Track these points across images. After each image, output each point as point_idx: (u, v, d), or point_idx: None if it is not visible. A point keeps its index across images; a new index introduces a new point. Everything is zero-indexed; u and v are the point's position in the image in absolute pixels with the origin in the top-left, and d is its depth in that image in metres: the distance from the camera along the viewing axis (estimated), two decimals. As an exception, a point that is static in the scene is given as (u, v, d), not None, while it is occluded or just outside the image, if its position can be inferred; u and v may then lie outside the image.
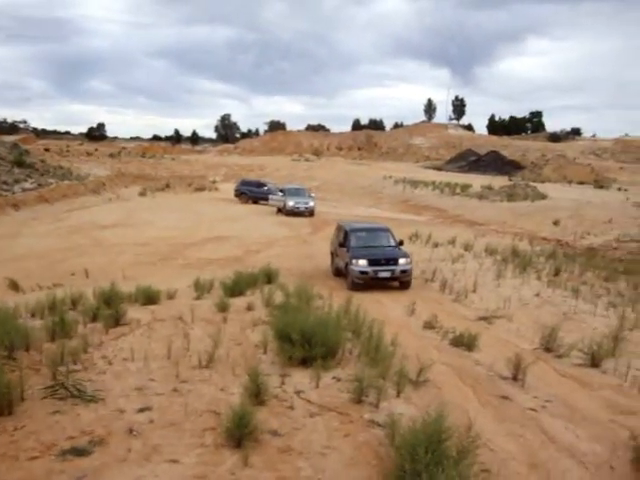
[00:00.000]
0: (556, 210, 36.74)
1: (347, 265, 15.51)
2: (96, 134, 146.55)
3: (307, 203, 34.81)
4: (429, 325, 11.00)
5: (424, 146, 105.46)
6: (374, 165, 78.79)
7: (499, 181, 57.18)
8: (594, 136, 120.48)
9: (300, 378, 7.47)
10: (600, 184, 62.73)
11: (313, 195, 37.48)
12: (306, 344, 7.88)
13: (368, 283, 15.18)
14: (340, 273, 16.89)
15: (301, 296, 11.48)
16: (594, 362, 8.92)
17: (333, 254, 18.11)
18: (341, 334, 8.61)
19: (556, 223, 33.19)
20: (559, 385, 8.05)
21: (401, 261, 15.33)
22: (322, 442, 5.64)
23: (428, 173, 70.21)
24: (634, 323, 11.58)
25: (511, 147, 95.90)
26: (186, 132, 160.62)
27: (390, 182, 56.51)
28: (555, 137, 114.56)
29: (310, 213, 34.49)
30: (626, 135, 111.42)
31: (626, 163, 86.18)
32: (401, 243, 16.75)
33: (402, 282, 15.51)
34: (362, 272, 15.07)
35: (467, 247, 21.70)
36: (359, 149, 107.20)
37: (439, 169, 79.24)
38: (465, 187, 50.52)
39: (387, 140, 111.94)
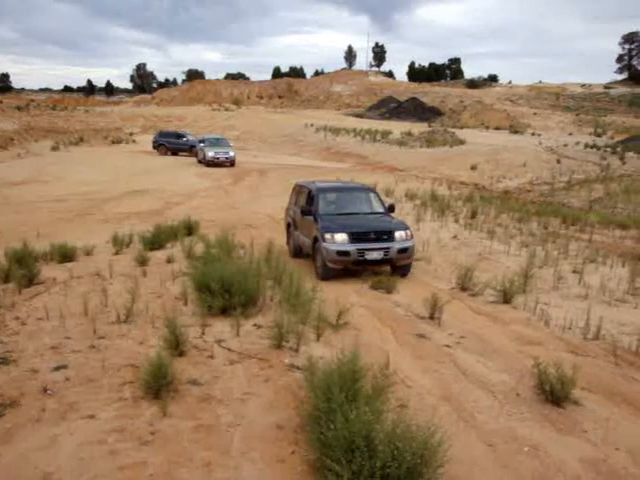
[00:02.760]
0: (474, 155, 37.68)
1: (315, 242, 11.09)
2: (0, 85, 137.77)
3: (227, 153, 34.22)
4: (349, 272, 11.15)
5: (345, 93, 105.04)
6: (295, 113, 78.05)
7: (419, 127, 58.02)
8: (510, 83, 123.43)
9: (221, 327, 7.46)
10: (515, 129, 64.70)
11: (232, 145, 36.86)
12: (226, 293, 7.86)
13: (349, 269, 10.87)
14: (302, 253, 12.59)
15: (222, 247, 11.36)
16: (506, 299, 9.32)
17: (290, 226, 13.41)
18: (261, 282, 8.62)
19: (474, 168, 34.08)
20: (473, 322, 8.38)
21: (398, 235, 10.92)
22: (242, 388, 5.68)
23: (349, 120, 70.24)
24: (543, 261, 12.15)
25: (431, 94, 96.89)
26: (100, 83, 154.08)
27: (311, 130, 56.22)
28: (473, 84, 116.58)
29: (231, 163, 33.97)
30: (540, 82, 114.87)
31: (540, 109, 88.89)
32: (391, 209, 12.41)
33: (399, 267, 11.16)
34: (341, 252, 10.51)
35: (388, 192, 21.97)
36: (280, 97, 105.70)
37: (360, 116, 79.39)
38: (386, 134, 50.98)
39: (308, 88, 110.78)
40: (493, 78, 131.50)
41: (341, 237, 10.71)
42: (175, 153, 40.69)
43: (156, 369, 5.39)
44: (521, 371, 6.37)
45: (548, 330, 8.00)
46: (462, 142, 45.51)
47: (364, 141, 48.90)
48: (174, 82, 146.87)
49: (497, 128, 66.54)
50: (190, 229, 14.74)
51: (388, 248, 10.75)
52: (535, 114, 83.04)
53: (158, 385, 5.38)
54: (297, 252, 12.87)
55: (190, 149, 39.88)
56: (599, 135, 61.83)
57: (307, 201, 12.39)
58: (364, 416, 3.71)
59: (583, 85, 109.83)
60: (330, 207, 12.03)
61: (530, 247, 13.66)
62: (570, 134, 63.09)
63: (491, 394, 5.88)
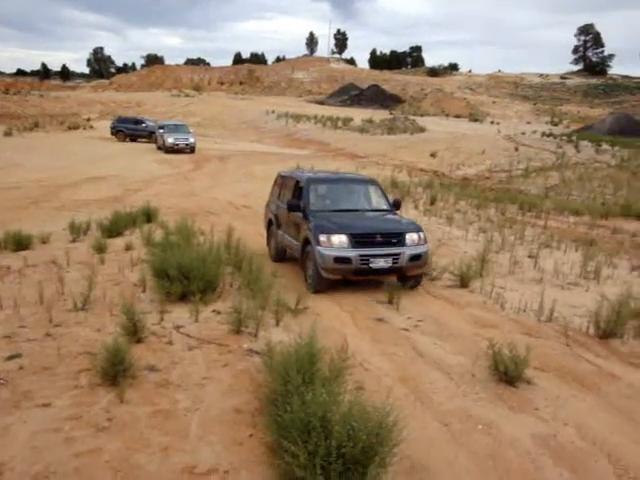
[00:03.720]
0: (434, 142, 38.08)
1: (306, 245, 9.29)
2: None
3: (187, 139, 33.82)
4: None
5: (306, 80, 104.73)
6: (256, 100, 77.52)
7: (380, 115, 58.25)
8: (470, 72, 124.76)
9: (180, 314, 7.42)
10: (475, 117, 65.60)
11: (193, 131, 36.43)
12: (184, 279, 7.81)
13: (349, 279, 9.09)
14: (286, 256, 10.97)
15: (181, 233, 11.26)
16: (463, 283, 9.48)
17: (271, 224, 11.60)
18: (221, 268, 8.59)
19: (433, 155, 34.43)
20: (431, 305, 8.51)
21: (409, 238, 9.10)
22: (201, 374, 5.67)
23: (311, 107, 70.10)
24: (500, 246, 12.39)
25: (392, 81, 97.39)
26: (55, 67, 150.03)
27: (273, 117, 55.94)
28: (434, 72, 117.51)
29: (191, 150, 33.59)
30: (499, 71, 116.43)
31: (499, 98, 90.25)
32: (397, 205, 10.61)
33: (409, 277, 9.31)
34: (339, 259, 8.67)
35: (348, 180, 22.02)
36: (241, 84, 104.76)
37: (321, 103, 79.29)
38: (347, 121, 51.06)
39: (269, 74, 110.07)
40: (453, 67, 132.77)
41: (340, 240, 8.78)
42: (134, 139, 40.03)
43: (113, 356, 5.34)
44: (477, 353, 6.51)
45: (503, 313, 8.18)
46: (422, 130, 45.93)
47: (325, 128, 48.89)
48: (133, 67, 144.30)
49: (457, 116, 67.32)
50: (149, 216, 14.54)
51: (398, 254, 8.83)
52: (494, 103, 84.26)
53: (115, 372, 5.33)
54: (280, 255, 11.10)
55: (149, 135, 39.27)
56: (555, 124, 63.12)
57: (294, 194, 10.47)
58: (320, 398, 3.75)
59: (541, 75, 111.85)
60: (324, 202, 10.16)
61: (487, 233, 13.91)
62: (528, 123, 64.26)
63: (447, 375, 6.00)
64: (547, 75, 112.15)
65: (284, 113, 56.25)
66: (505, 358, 5.85)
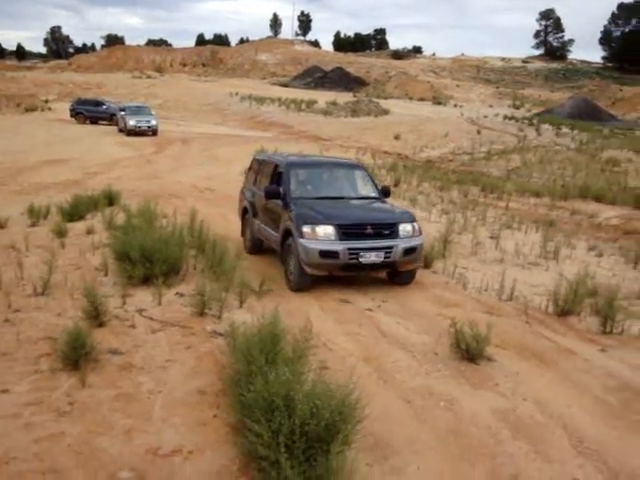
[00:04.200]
0: (397, 125, 38.19)
1: (286, 237, 8.48)
2: None
3: (150, 122, 33.25)
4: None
5: (270, 62, 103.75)
6: (220, 82, 76.58)
7: (344, 97, 58.12)
8: (434, 55, 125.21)
9: (142, 297, 7.34)
10: (438, 100, 66.01)
11: (155, 113, 35.85)
12: (147, 262, 7.72)
13: (336, 275, 8.32)
14: (263, 247, 10.20)
15: (144, 216, 11.12)
16: (426, 264, 9.57)
17: (246, 212, 10.72)
18: (184, 251, 8.52)
19: (397, 137, 34.56)
20: (394, 286, 8.59)
21: (403, 229, 8.35)
22: (164, 356, 5.64)
23: (274, 90, 69.59)
24: (463, 227, 12.56)
25: (356, 64, 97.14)
26: (10, 46, 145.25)
27: (236, 99, 55.39)
28: (397, 55, 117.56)
29: (153, 132, 33.06)
30: (462, 55, 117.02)
31: (462, 81, 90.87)
32: (386, 192, 9.82)
33: (402, 273, 8.58)
34: (325, 253, 7.88)
35: (313, 162, 22.01)
36: (204, 65, 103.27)
37: (285, 85, 78.76)
38: (311, 103, 50.88)
39: (233, 56, 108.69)
40: (417, 50, 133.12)
41: (326, 231, 7.96)
42: (95, 122, 39.19)
43: (74, 340, 5.26)
44: (439, 332, 6.60)
45: (466, 293, 8.31)
46: (386, 112, 46.03)
47: (289, 110, 48.64)
48: (92, 47, 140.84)
49: (421, 99, 67.59)
50: (111, 199, 14.29)
51: (391, 248, 8.05)
52: (458, 86, 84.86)
53: (77, 356, 5.26)
54: (256, 247, 10.30)
55: (110, 117, 38.50)
56: (517, 107, 63.88)
57: (272, 179, 9.65)
58: (283, 377, 3.76)
59: (503, 59, 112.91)
60: (305, 188, 9.33)
61: (450, 214, 14.07)
62: (490, 106, 64.91)
63: (410, 354, 6.08)
64: (509, 59, 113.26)
65: (248, 95, 55.75)
66: (467, 336, 5.96)
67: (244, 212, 10.90)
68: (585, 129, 40.61)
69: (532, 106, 66.85)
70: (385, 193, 9.75)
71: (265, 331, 4.58)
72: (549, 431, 4.66)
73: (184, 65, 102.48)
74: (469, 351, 5.92)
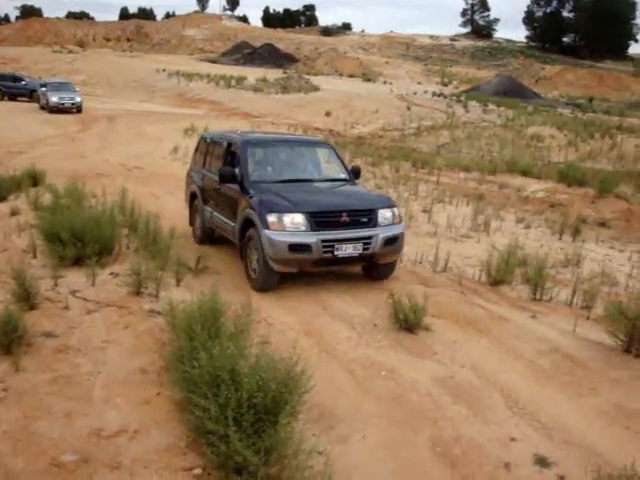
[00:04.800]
0: (328, 102, 38.23)
1: (246, 228, 7.44)
2: None
3: (73, 98, 31.94)
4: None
5: (198, 38, 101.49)
6: (146, 58, 74.31)
7: (274, 74, 57.60)
8: (363, 31, 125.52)
9: (75, 278, 7.11)
10: (368, 77, 66.27)
11: (79, 90, 34.50)
12: (78, 243, 7.46)
13: (306, 271, 7.25)
14: (215, 237, 9.24)
15: (72, 196, 10.73)
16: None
17: (194, 198, 9.68)
18: (116, 230, 8.29)
19: (328, 114, 34.60)
20: (331, 261, 8.64)
21: (382, 216, 7.39)
22: (101, 337, 5.49)
23: (203, 66, 68.19)
24: (395, 202, 12.73)
25: (286, 40, 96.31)
26: None
27: (164, 75, 53.92)
28: (327, 31, 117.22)
29: (77, 109, 31.81)
30: (391, 32, 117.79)
31: (391, 58, 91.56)
32: (357, 174, 8.80)
33: (381, 266, 7.65)
34: (296, 247, 6.84)
35: (245, 139, 21.80)
36: (129, 40, 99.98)
37: (214, 62, 77.30)
38: (240, 80, 50.18)
39: (159, 31, 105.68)
40: (347, 26, 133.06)
41: (295, 221, 6.90)
42: (13, 98, 37.31)
43: (5, 323, 5.05)
44: (377, 304, 6.72)
45: (401, 265, 8.44)
46: (317, 89, 45.96)
47: (219, 87, 47.83)
48: (6, 19, 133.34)
49: (351, 76, 67.80)
50: (35, 179, 13.71)
51: (369, 238, 7.07)
52: (387, 63, 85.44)
53: (8, 340, 5.05)
54: (207, 236, 9.31)
55: (31, 94, 36.67)
56: (445, 85, 65.10)
57: (226, 160, 8.54)
58: (228, 351, 3.74)
59: (431, 37, 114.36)
60: (265, 170, 8.30)
61: (383, 189, 14.24)
62: (419, 83, 65.80)
63: (350, 326, 6.16)
64: (437, 37, 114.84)
65: (175, 72, 54.37)
66: (404, 308, 6.08)
67: (192, 198, 9.83)
68: (510, 106, 41.84)
69: (460, 83, 68.26)
70: (355, 174, 8.75)
71: (206, 307, 4.52)
72: (486, 395, 4.84)
73: (108, 40, 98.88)
74: (407, 322, 6.04)
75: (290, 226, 6.91)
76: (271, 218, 6.94)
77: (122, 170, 16.63)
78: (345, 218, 7.07)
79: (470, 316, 6.57)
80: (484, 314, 6.66)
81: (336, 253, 6.95)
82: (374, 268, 7.70)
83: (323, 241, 6.86)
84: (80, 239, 7.51)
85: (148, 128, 26.38)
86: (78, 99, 32.08)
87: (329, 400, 4.60)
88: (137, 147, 21.34)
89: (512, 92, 54.38)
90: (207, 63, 74.34)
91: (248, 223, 7.38)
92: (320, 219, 6.99)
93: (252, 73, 56.42)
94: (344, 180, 8.56)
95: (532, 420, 4.49)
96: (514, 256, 8.06)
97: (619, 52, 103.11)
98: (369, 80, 63.61)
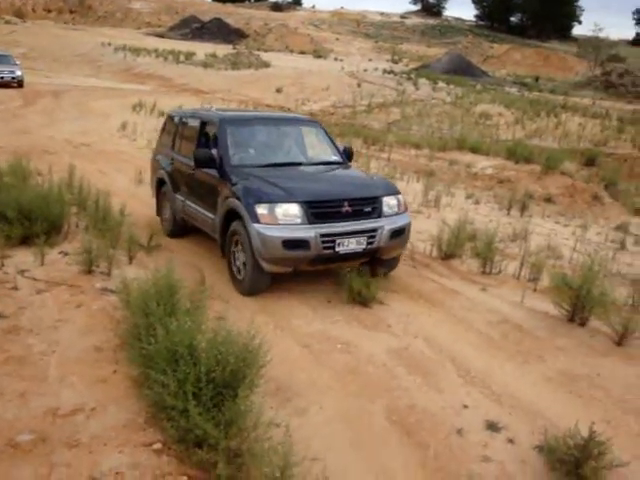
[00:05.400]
0: (279, 78, 37.92)
1: (229, 219, 6.55)
2: None
3: (14, 72, 30.71)
4: (160, 193, 10.86)
5: (144, 11, 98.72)
6: (91, 31, 72.01)
7: (224, 49, 56.68)
8: (313, 7, 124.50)
9: (23, 257, 6.92)
10: (319, 54, 65.91)
11: (19, 63, 33.23)
12: (25, 221, 7.27)
13: (301, 270, 6.35)
14: (187, 229, 8.36)
15: (16, 174, 10.41)
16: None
17: (162, 185, 8.79)
18: (65, 208, 8.09)
19: (279, 90, 34.36)
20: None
21: (387, 204, 6.57)
22: (53, 317, 5.39)
23: (150, 40, 66.51)
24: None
25: (235, 15, 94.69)
26: None
27: (110, 50, 52.38)
28: (277, 7, 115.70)
29: (19, 84, 30.63)
30: (342, 8, 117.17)
31: (342, 35, 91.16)
32: (350, 155, 7.97)
33: (385, 262, 6.80)
34: (291, 243, 5.94)
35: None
36: (71, 12, 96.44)
37: (161, 36, 75.44)
38: (189, 55, 49.27)
39: (103, 3, 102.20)
40: (297, 2, 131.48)
41: (289, 212, 6.00)
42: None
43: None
44: (331, 280, 6.78)
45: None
46: (267, 65, 45.52)
47: (167, 62, 46.82)
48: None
49: (302, 52, 67.32)
50: (-25, 157, 13.24)
51: (374, 230, 6.24)
52: (337, 40, 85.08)
53: (-46, 321, 4.93)
54: (180, 228, 8.41)
55: (-34, 67, 35.21)
56: (396, 62, 65.30)
57: (200, 142, 7.67)
58: (185, 326, 3.75)
59: (382, 14, 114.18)
60: (248, 153, 7.33)
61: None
62: (370, 60, 65.77)
63: (305, 303, 6.21)
64: (388, 14, 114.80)
65: (122, 46, 52.90)
66: (358, 282, 6.16)
67: (159, 185, 8.89)
68: (460, 84, 42.34)
69: (410, 61, 68.58)
70: (348, 156, 7.92)
71: (161, 283, 4.49)
72: (439, 365, 4.99)
73: (48, 11, 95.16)
74: (361, 296, 6.14)
75: (283, 219, 5.97)
76: (261, 209, 6.00)
77: (68, 147, 16.19)
78: (347, 208, 6.16)
79: (423, 290, 6.72)
80: (436, 287, 6.83)
81: (337, 249, 6.04)
82: (377, 264, 6.71)
83: (322, 235, 5.95)
84: (27, 217, 7.30)
85: (95, 104, 25.68)
86: (19, 72, 30.90)
87: (286, 374, 4.66)
88: (84, 123, 20.76)
89: (461, 70, 54.99)
90: (154, 38, 72.52)
91: (231, 215, 6.46)
92: (318, 210, 6.06)
93: (201, 48, 55.39)
94: (337, 163, 7.68)
95: (483, 388, 4.65)
96: (464, 231, 8.24)
97: (564, 33, 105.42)
98: (320, 57, 63.29)
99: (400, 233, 6.55)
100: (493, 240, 7.71)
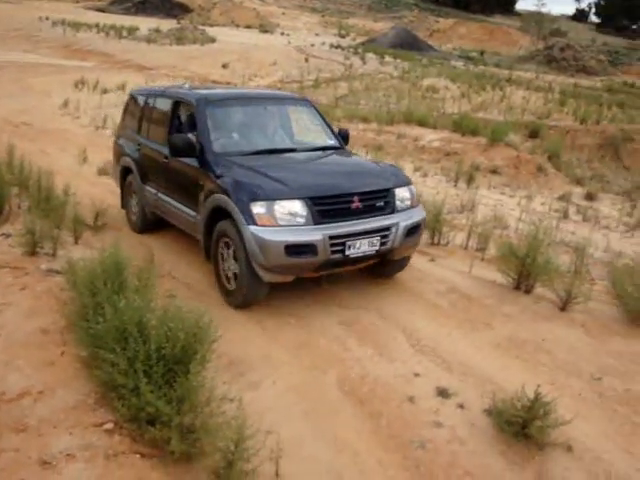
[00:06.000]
0: (225, 53, 37.31)
1: (215, 218, 5.60)
2: None
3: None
4: (103, 172, 10.62)
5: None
6: (26, 4, 69.09)
7: (167, 24, 55.33)
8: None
9: (-39, 241, 6.70)
10: (265, 29, 65.07)
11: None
12: (-37, 203, 7.02)
13: (304, 276, 5.47)
14: (158, 223, 7.46)
15: (-50, 154, 9.99)
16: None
17: (129, 172, 7.86)
18: (5, 189, 7.81)
19: (225, 66, 33.83)
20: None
21: (400, 197, 5.75)
22: (-4, 300, 5.24)
23: (90, 15, 64.36)
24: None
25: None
26: None
27: (48, 24, 50.43)
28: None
29: (-49, 61, 29.35)
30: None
31: (288, 9, 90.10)
32: (345, 138, 7.04)
33: (395, 262, 6.03)
34: (295, 248, 4.97)
35: (139, 92, 21.05)
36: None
37: (102, 10, 72.98)
38: (132, 30, 47.95)
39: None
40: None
41: (292, 210, 5.06)
42: None
43: None
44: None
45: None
46: (213, 40, 44.69)
47: (109, 38, 45.43)
48: None
49: (248, 27, 66.29)
50: None
51: (388, 229, 5.38)
52: (284, 14, 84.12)
53: None
54: (150, 223, 7.53)
55: None
56: (343, 37, 65.00)
57: (172, 125, 6.75)
58: (134, 303, 3.68)
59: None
60: (231, 139, 6.40)
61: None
62: (317, 35, 65.31)
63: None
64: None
65: (61, 20, 51.03)
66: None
67: (124, 173, 7.95)
68: (406, 58, 42.51)
69: (357, 35, 68.34)
70: (344, 139, 7.03)
71: (108, 261, 4.40)
72: (391, 335, 5.06)
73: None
74: (314, 272, 6.12)
75: (284, 219, 5.02)
76: (257, 208, 5.01)
77: (8, 126, 15.60)
78: (357, 204, 5.27)
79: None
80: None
81: (348, 252, 5.16)
82: (385, 265, 6.01)
83: (331, 237, 5.04)
84: (-35, 199, 7.06)
85: (34, 81, 24.77)
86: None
87: (239, 349, 4.66)
88: (24, 101, 20.04)
89: (408, 44, 55.21)
90: (95, 12, 70.17)
91: (218, 213, 5.49)
92: (325, 207, 5.14)
93: (144, 23, 53.94)
94: (333, 148, 6.77)
95: (433, 356, 4.75)
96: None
97: (507, 7, 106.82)
98: (266, 31, 62.45)
99: (415, 230, 5.72)
100: (441, 212, 7.80)
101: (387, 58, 41.97)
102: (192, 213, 6.08)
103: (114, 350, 3.45)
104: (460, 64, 46.39)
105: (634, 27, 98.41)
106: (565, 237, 8.19)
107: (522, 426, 3.71)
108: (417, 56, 46.91)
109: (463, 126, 16.06)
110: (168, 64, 34.55)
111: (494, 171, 12.63)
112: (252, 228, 4.97)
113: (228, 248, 5.43)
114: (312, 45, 47.69)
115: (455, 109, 23.44)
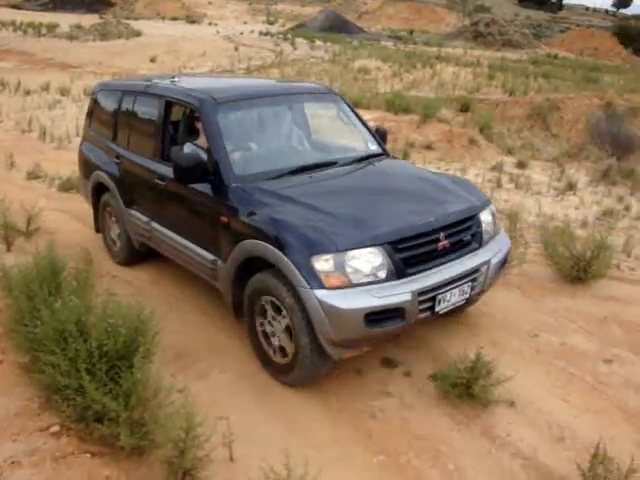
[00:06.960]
0: (152, 47, 36.53)
1: (247, 270, 4.08)
2: None
3: None
4: (33, 175, 10.28)
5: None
6: (-64, 8, 66.01)
7: (89, 19, 53.74)
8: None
9: None
10: (192, 19, 64.03)
11: None
12: None
13: (376, 342, 3.97)
14: (148, 253, 5.95)
15: None
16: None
17: (103, 190, 6.25)
18: None
19: (153, 60, 33.14)
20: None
21: (485, 224, 4.32)
22: None
23: (4, 12, 61.75)
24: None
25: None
26: None
27: (-40, 26, 48.33)
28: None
29: None
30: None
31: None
32: (383, 137, 5.48)
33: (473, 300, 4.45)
34: (379, 315, 3.51)
35: (63, 92, 20.43)
36: None
37: (18, 7, 70.23)
38: (52, 27, 46.32)
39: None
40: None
41: (370, 263, 3.62)
42: None
43: None
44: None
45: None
46: (138, 34, 43.67)
47: (27, 36, 43.77)
48: None
49: (174, 18, 65.05)
50: None
51: (478, 270, 4.10)
52: (210, 4, 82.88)
53: None
54: (136, 254, 6.08)
55: None
56: (271, 23, 64.60)
57: (165, 133, 5.20)
58: (71, 303, 3.62)
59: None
60: (254, 154, 4.79)
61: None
62: (245, 23, 64.70)
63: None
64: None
65: (-27, 21, 48.91)
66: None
67: (97, 192, 6.41)
68: (337, 41, 42.59)
69: (286, 21, 68.01)
70: (382, 136, 5.54)
71: (43, 264, 4.29)
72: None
73: None
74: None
75: (361, 274, 3.61)
76: (321, 264, 3.57)
77: None
78: (444, 242, 3.94)
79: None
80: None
81: (437, 308, 3.86)
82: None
83: (421, 294, 3.70)
84: None
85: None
86: None
87: (184, 341, 4.64)
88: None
89: (337, 28, 55.24)
90: (9, 9, 67.38)
91: (253, 264, 4.06)
92: (407, 252, 3.77)
93: (64, 19, 52.24)
94: (377, 155, 5.20)
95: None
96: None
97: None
98: (193, 22, 61.40)
99: (503, 265, 4.52)
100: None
101: (317, 42, 41.92)
102: (209, 257, 4.55)
103: (54, 352, 3.39)
104: (390, 44, 46.73)
105: (554, 1, 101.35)
106: (499, 205, 8.42)
107: (466, 387, 3.85)
108: (347, 39, 47.02)
109: (396, 105, 16.20)
110: (93, 61, 33.60)
111: (428, 147, 12.84)
112: (318, 293, 3.52)
113: (275, 311, 3.97)
114: (241, 33, 47.19)
115: (387, 89, 23.64)
